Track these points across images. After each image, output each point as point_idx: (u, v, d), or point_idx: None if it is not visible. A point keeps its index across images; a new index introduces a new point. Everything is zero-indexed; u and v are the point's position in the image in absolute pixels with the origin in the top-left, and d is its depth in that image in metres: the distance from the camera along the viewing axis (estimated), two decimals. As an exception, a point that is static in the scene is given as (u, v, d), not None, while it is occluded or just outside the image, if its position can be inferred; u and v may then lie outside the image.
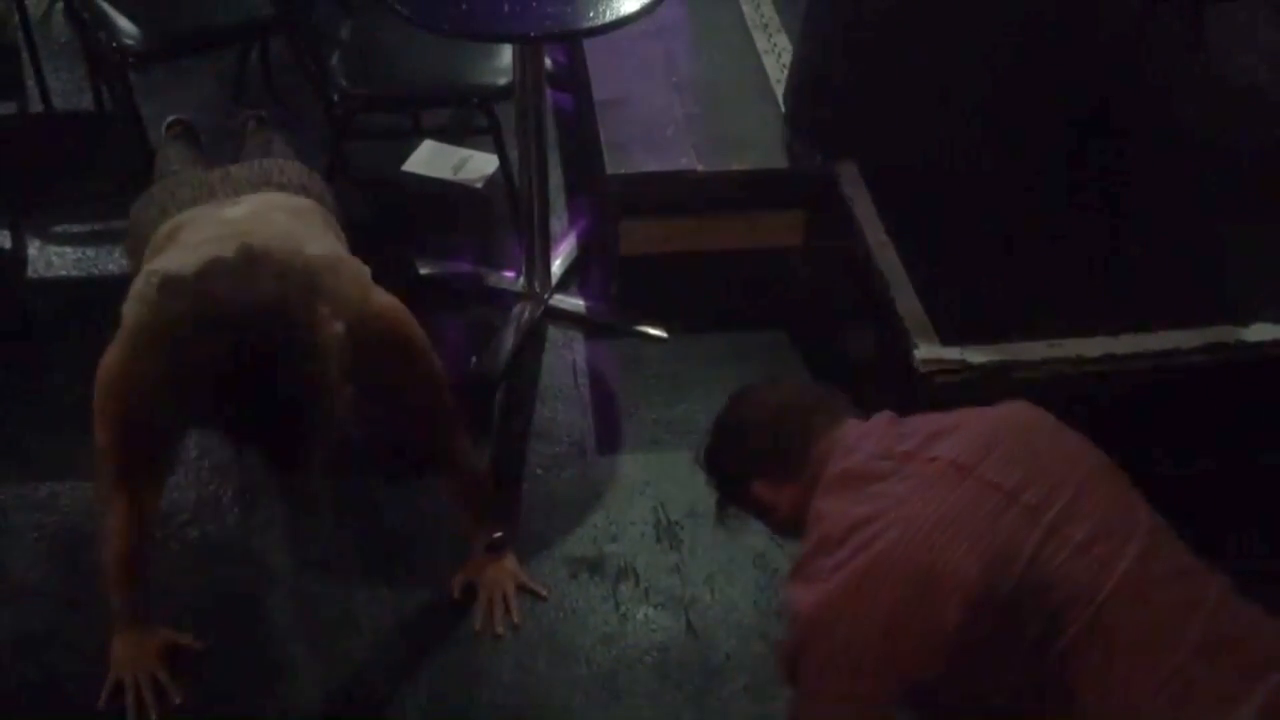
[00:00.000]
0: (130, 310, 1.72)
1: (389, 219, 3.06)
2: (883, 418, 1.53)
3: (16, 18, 3.26)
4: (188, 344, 1.56)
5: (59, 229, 2.96)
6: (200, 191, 1.99)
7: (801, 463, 1.50)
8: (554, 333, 2.77)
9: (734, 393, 1.68)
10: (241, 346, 1.53)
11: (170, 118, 2.75)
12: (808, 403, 1.58)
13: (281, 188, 2.02)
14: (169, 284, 1.63)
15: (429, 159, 3.22)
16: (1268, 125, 2.87)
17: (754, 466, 1.57)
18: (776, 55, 3.00)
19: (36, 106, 3.33)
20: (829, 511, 1.42)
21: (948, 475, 1.37)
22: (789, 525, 1.55)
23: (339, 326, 1.63)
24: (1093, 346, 2.22)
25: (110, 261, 2.87)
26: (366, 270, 1.82)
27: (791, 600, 1.41)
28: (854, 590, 1.33)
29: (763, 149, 2.73)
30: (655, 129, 2.76)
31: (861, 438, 1.48)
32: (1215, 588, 1.36)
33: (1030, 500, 1.34)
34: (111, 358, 1.77)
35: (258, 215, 1.88)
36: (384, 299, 1.84)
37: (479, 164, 3.19)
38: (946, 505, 1.34)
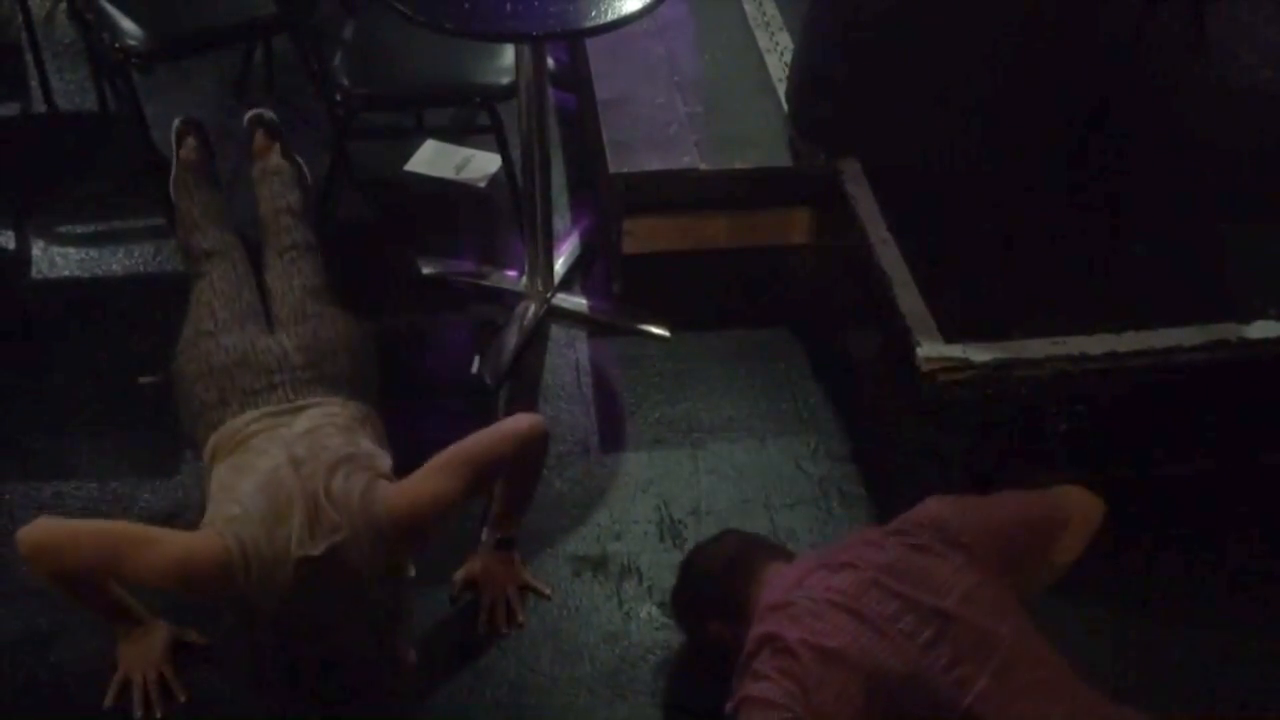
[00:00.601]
0: (231, 538, 1.78)
1: (392, 218, 3.07)
2: (804, 556, 1.93)
3: (20, 18, 3.28)
4: (277, 615, 1.80)
5: (63, 229, 2.97)
6: (258, 379, 2.06)
7: (744, 604, 1.84)
8: (557, 332, 2.77)
9: (688, 555, 2.08)
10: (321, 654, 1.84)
11: (179, 119, 2.75)
12: (746, 553, 1.95)
13: (331, 380, 2.10)
14: (302, 566, 1.77)
15: (432, 158, 3.22)
16: (1269, 124, 2.87)
17: (709, 611, 1.96)
18: (779, 53, 3.00)
19: (40, 107, 3.34)
20: (762, 632, 1.73)
21: (841, 603, 1.70)
22: (734, 652, 1.79)
23: (413, 655, 1.93)
24: (1095, 344, 2.22)
25: (114, 262, 2.88)
26: (380, 480, 1.89)
27: (736, 691, 1.69)
28: (785, 678, 1.65)
29: (765, 147, 2.73)
30: (658, 128, 2.76)
31: (778, 576, 1.84)
32: (1066, 695, 1.62)
33: (905, 627, 1.65)
34: (197, 552, 1.79)
35: (313, 441, 1.95)
36: (395, 505, 1.87)
37: (481, 163, 3.20)
38: (836, 635, 1.66)
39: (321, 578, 1.79)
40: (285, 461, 1.88)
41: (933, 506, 1.81)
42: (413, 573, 1.98)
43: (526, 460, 2.03)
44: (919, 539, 1.76)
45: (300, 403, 2.05)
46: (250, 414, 2.02)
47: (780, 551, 1.99)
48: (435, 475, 1.89)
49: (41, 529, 1.82)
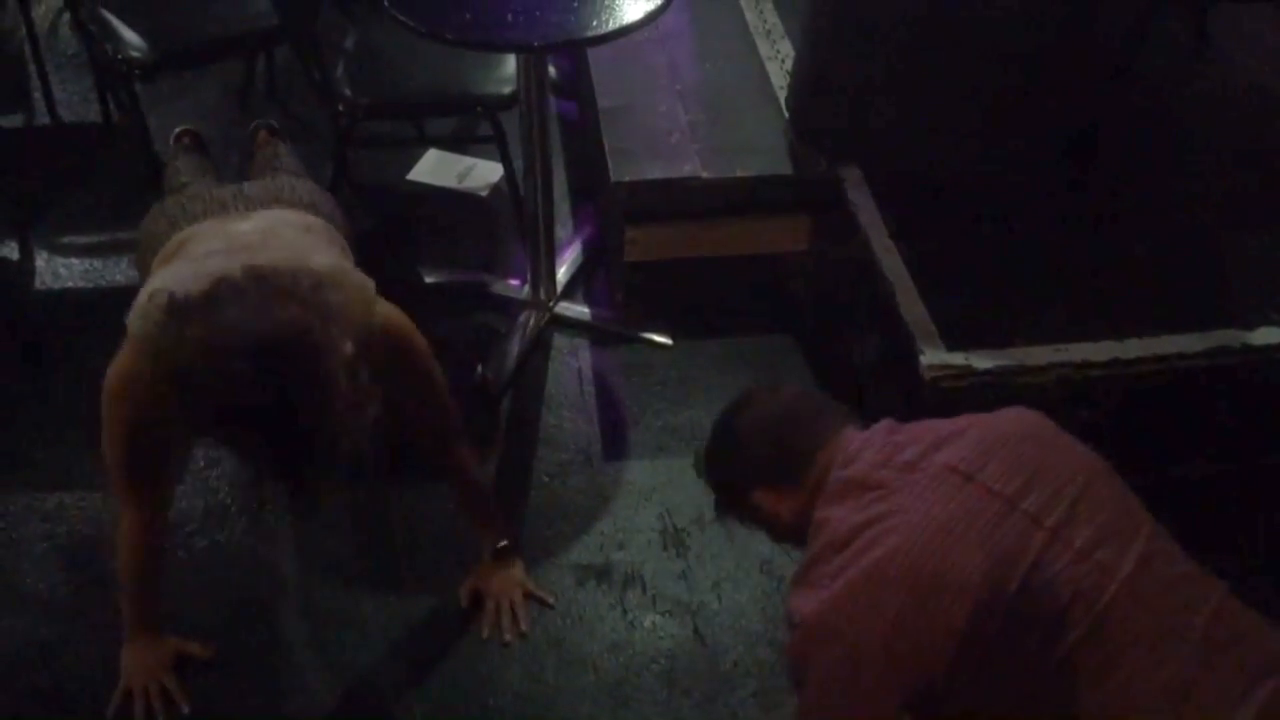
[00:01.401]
0: (135, 325, 1.70)
1: (394, 227, 3.07)
2: (883, 426, 1.53)
3: (23, 30, 3.29)
4: (197, 371, 1.55)
5: (66, 240, 2.97)
6: (211, 205, 2.00)
7: (803, 471, 1.51)
8: (559, 340, 2.77)
9: (734, 399, 1.67)
10: (255, 376, 1.53)
11: (178, 128, 2.76)
12: (809, 410, 1.58)
13: (291, 205, 2.03)
14: (177, 305, 1.60)
15: (434, 167, 3.23)
16: (1272, 127, 2.87)
17: (755, 474, 1.57)
18: (780, 61, 3.00)
19: (43, 118, 3.35)
20: (830, 519, 1.42)
21: (949, 483, 1.38)
22: (790, 533, 1.56)
23: (349, 347, 1.61)
24: (1097, 351, 2.21)
25: (117, 272, 2.88)
26: (370, 283, 1.82)
27: (794, 608, 1.41)
28: (856, 596, 1.35)
29: (767, 155, 2.73)
30: (659, 136, 2.77)
31: (863, 446, 1.48)
32: (1215, 592, 1.38)
33: (1030, 507, 1.36)
34: (116, 370, 1.77)
35: (265, 230, 1.88)
36: (388, 311, 1.84)
37: (484, 172, 3.20)
38: (948, 512, 1.36)
39: (284, 364, 1.56)
40: (235, 249, 1.74)
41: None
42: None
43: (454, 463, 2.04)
44: (1030, 418, 1.50)
45: (250, 213, 1.95)
46: (197, 225, 1.91)
47: (851, 416, 1.58)
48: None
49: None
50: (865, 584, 1.34)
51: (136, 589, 1.98)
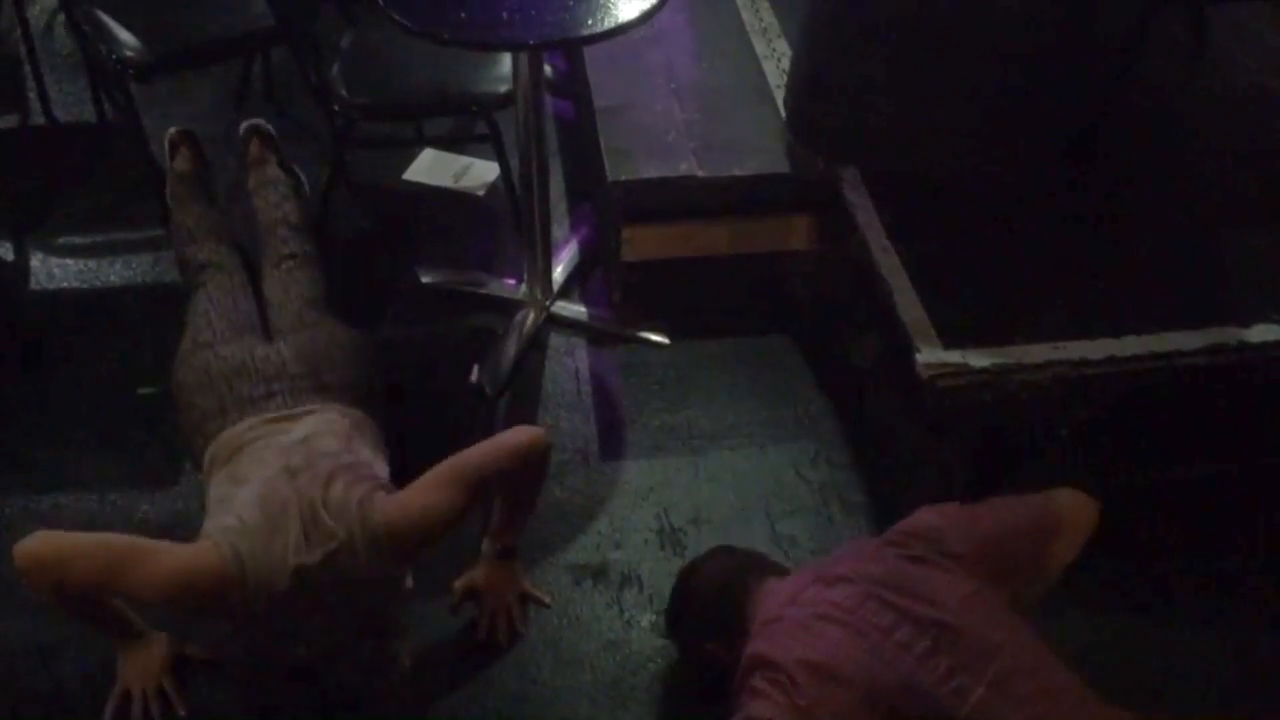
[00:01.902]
0: (221, 552, 1.77)
1: (390, 227, 3.07)
2: (800, 571, 1.90)
3: (18, 31, 3.28)
4: (280, 635, 1.84)
5: (61, 240, 2.97)
6: (255, 387, 2.07)
7: (738, 623, 1.84)
8: (556, 340, 2.77)
9: (682, 569, 2.05)
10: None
11: (172, 129, 2.76)
12: (741, 570, 1.93)
13: (330, 391, 2.10)
14: (299, 574, 1.78)
15: (430, 167, 3.23)
16: (1270, 127, 2.87)
17: (706, 632, 1.94)
18: (776, 60, 3.00)
19: (38, 119, 3.35)
20: (754, 652, 1.74)
21: (837, 616, 1.70)
22: (731, 672, 1.79)
23: (407, 663, 1.95)
24: (1095, 349, 2.21)
25: (112, 273, 2.88)
26: (378, 494, 1.88)
27: (740, 714, 1.68)
28: (781, 699, 1.64)
29: (763, 154, 2.73)
30: (656, 135, 2.76)
31: (771, 594, 1.83)
32: (1065, 701, 1.61)
33: (901, 639, 1.65)
34: (206, 567, 1.78)
35: (312, 448, 1.95)
36: (387, 517, 1.85)
37: (480, 172, 3.20)
38: (830, 646, 1.67)
39: (318, 585, 1.79)
40: (281, 470, 1.88)
41: (926, 516, 1.81)
42: (411, 584, 1.98)
43: (526, 473, 2.02)
44: (914, 550, 1.76)
45: (298, 410, 2.04)
46: (248, 421, 2.02)
47: (774, 567, 1.98)
48: (433, 487, 1.88)
49: (40, 541, 1.80)
50: (787, 688, 1.64)
51: (103, 622, 1.98)
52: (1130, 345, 2.22)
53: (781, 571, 1.95)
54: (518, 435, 1.98)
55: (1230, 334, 2.25)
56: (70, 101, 3.41)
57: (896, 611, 1.68)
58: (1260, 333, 2.26)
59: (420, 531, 1.86)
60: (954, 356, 2.19)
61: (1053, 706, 1.60)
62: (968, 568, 1.73)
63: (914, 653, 1.64)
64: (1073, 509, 1.85)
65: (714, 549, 2.07)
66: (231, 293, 2.33)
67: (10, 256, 2.92)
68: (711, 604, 1.93)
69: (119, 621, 2.00)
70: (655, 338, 2.76)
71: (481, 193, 3.15)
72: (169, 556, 1.79)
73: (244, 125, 2.83)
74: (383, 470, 1.99)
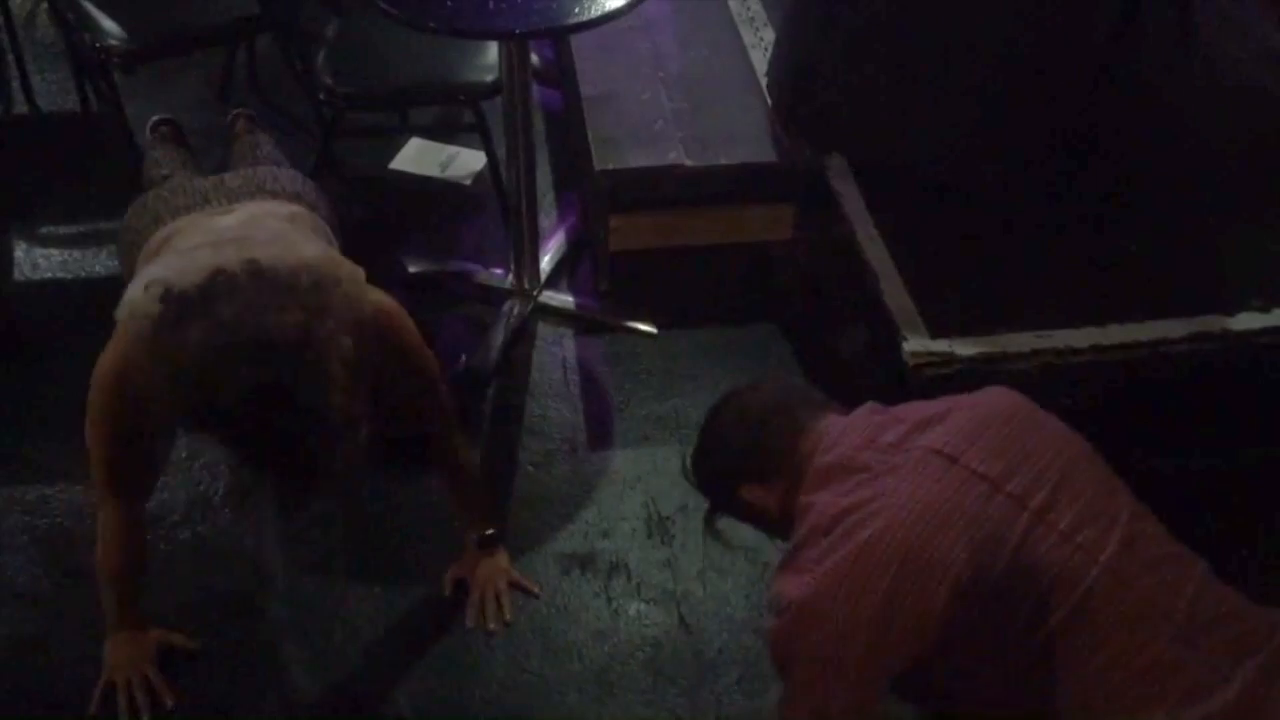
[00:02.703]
0: (126, 320, 1.67)
1: (377, 217, 3.06)
2: (865, 409, 1.55)
3: (1, 19, 3.25)
4: (196, 369, 1.54)
5: (45, 230, 2.95)
6: (193, 198, 1.99)
7: (788, 461, 1.52)
8: (544, 329, 2.77)
9: (716, 400, 1.68)
10: (257, 376, 1.53)
11: (155, 118, 2.74)
12: (789, 401, 1.59)
13: (274, 195, 2.02)
14: (173, 299, 1.59)
15: (417, 156, 3.22)
16: (1257, 119, 2.88)
17: (742, 470, 1.58)
18: (763, 49, 3.00)
19: (21, 108, 3.33)
20: (815, 504, 1.43)
21: (933, 465, 1.39)
22: (782, 526, 1.55)
23: (348, 342, 1.60)
24: (1080, 337, 2.22)
25: (97, 263, 2.86)
26: (361, 272, 1.80)
27: (780, 592, 1.42)
28: (843, 579, 1.35)
29: (750, 143, 2.73)
30: (643, 124, 2.76)
31: (845, 431, 1.49)
32: (1197, 572, 1.40)
33: (1015, 489, 1.37)
34: (107, 364, 1.76)
35: (250, 222, 1.87)
36: (378, 299, 1.83)
37: (467, 161, 3.19)
38: (933, 494, 1.36)
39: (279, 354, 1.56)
40: (207, 244, 1.72)
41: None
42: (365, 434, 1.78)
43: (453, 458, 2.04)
44: (1015, 399, 1.52)
45: (234, 205, 1.93)
46: (181, 220, 1.90)
47: (833, 404, 1.60)
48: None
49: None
50: (851, 566, 1.35)
51: (118, 584, 1.97)
52: (1115, 334, 2.23)
53: (841, 410, 1.58)
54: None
55: (1214, 322, 2.26)
56: (54, 91, 3.39)
57: (1007, 458, 1.39)
58: (1244, 320, 2.27)
59: (401, 331, 1.84)
60: (941, 345, 2.20)
61: (1185, 575, 1.38)
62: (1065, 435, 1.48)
63: (1030, 506, 1.36)
64: None
65: (758, 380, 1.71)
66: (190, 170, 2.29)
67: (-7, 246, 2.90)
68: (751, 436, 1.56)
69: (131, 593, 1.97)
70: (643, 327, 2.76)
71: (468, 182, 3.15)
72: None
73: (231, 114, 2.82)
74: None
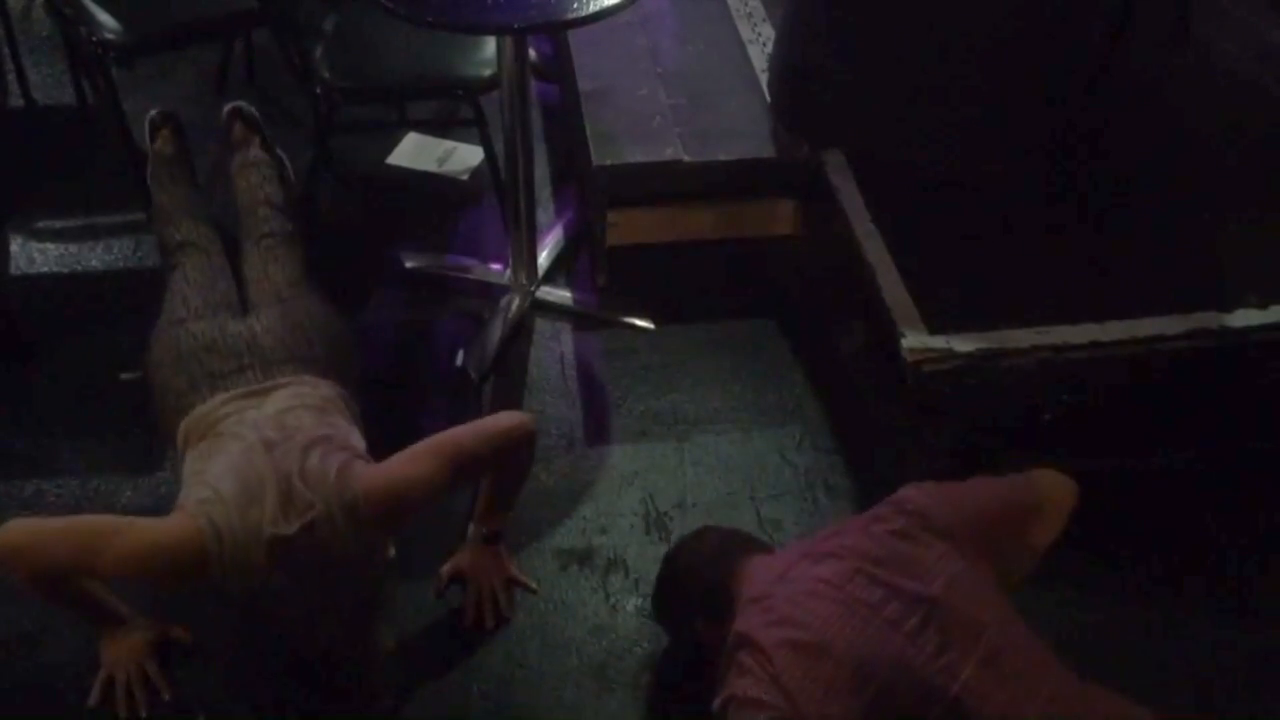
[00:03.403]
0: (207, 525, 1.76)
1: (374, 212, 3.06)
2: (792, 547, 1.89)
3: (-4, 12, 3.25)
4: (260, 613, 1.83)
5: (41, 225, 2.95)
6: (228, 362, 2.04)
7: (727, 599, 1.82)
8: (541, 324, 2.76)
9: (667, 553, 2.03)
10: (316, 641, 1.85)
11: (153, 112, 2.73)
12: (728, 548, 1.92)
13: (305, 361, 2.07)
14: (275, 549, 1.76)
15: (414, 151, 3.21)
16: (1253, 115, 2.88)
17: (696, 611, 1.92)
18: (761, 45, 3.00)
19: (17, 102, 3.31)
20: (741, 630, 1.71)
21: (825, 592, 1.69)
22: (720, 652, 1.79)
23: (392, 643, 1.97)
24: (1078, 334, 2.22)
25: (93, 258, 2.86)
26: (354, 462, 1.87)
27: (725, 691, 1.67)
28: (767, 677, 1.63)
29: (748, 139, 2.73)
30: (641, 120, 2.76)
31: (759, 568, 1.82)
32: (1050, 680, 1.62)
33: (890, 615, 1.64)
34: (177, 541, 1.77)
35: (285, 425, 1.92)
36: (365, 488, 1.84)
37: (464, 156, 3.18)
38: (818, 617, 1.66)
39: (295, 558, 1.77)
40: (256, 443, 1.87)
41: (911, 493, 1.80)
42: (393, 553, 1.96)
43: (510, 457, 2.01)
44: (900, 525, 1.75)
45: (270, 384, 2.02)
46: (220, 397, 1.99)
47: (761, 545, 1.97)
48: (414, 460, 1.88)
49: (13, 529, 1.79)
50: (770, 668, 1.63)
51: (81, 609, 1.98)
52: (1113, 330, 2.23)
53: (768, 550, 1.94)
54: (501, 419, 1.98)
55: (1212, 318, 2.26)
56: (50, 84, 3.38)
57: (885, 587, 1.67)
58: (1241, 317, 2.27)
59: (399, 502, 1.85)
60: (938, 341, 2.20)
61: (1040, 682, 1.61)
62: (954, 544, 1.73)
63: (903, 630, 1.63)
64: (1053, 489, 1.86)
65: (700, 529, 2.06)
66: (209, 271, 2.31)
67: (-11, 241, 2.90)
68: (698, 583, 1.91)
69: (100, 607, 1.99)
70: (640, 322, 2.76)
71: (466, 177, 3.14)
72: (143, 531, 1.77)
73: (227, 108, 2.81)
74: (359, 442, 1.98)
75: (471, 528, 2.20)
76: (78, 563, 1.78)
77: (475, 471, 2.02)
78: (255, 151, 2.66)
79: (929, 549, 1.72)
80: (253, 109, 2.78)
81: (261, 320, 2.15)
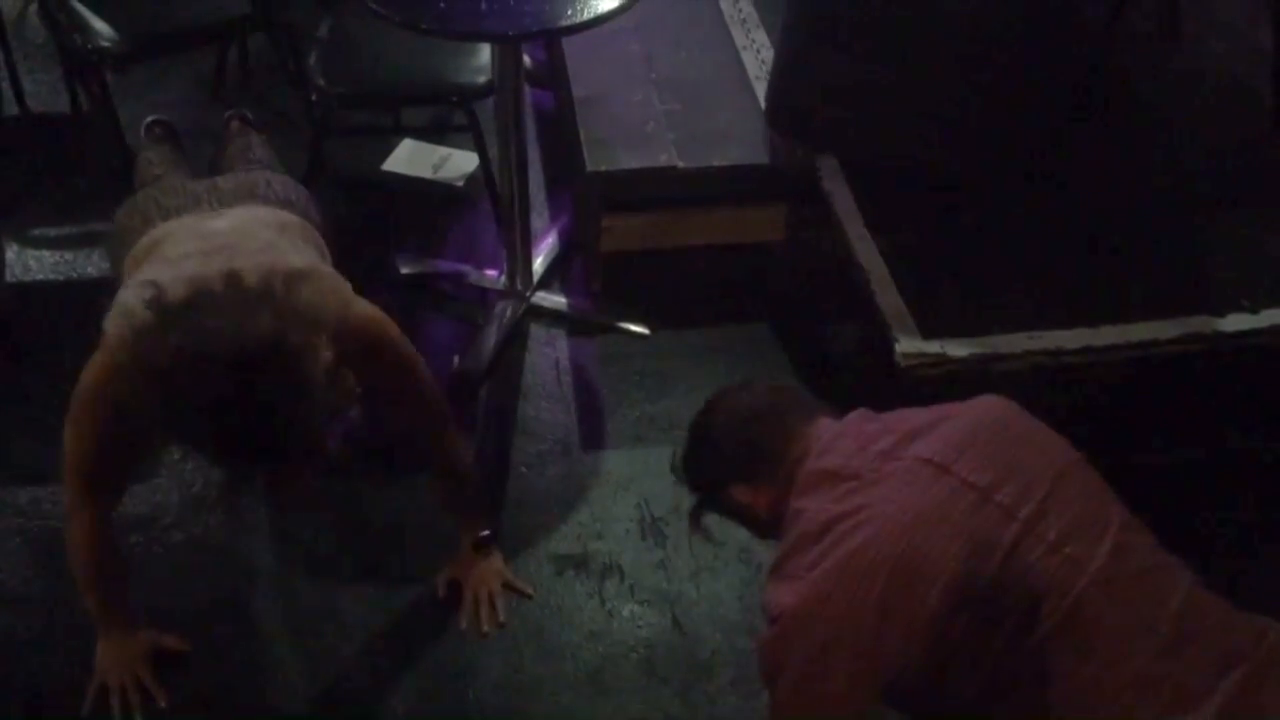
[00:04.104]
0: (114, 326, 1.71)
1: (369, 218, 3.06)
2: (857, 416, 1.56)
3: (-10, 20, 3.25)
4: (177, 376, 1.61)
5: (36, 232, 2.95)
6: (185, 200, 1.99)
7: (778, 464, 1.53)
8: (536, 330, 2.77)
9: (709, 398, 1.69)
10: (234, 384, 1.59)
11: (149, 118, 2.73)
12: (782, 403, 1.61)
13: (265, 200, 2.02)
14: (158, 308, 1.65)
15: (409, 158, 3.21)
16: (1243, 116, 2.89)
17: (731, 470, 1.59)
18: (755, 51, 3.01)
19: (12, 109, 3.31)
20: (805, 510, 1.44)
21: (923, 474, 1.40)
22: (769, 527, 1.57)
23: (327, 351, 1.68)
24: (1072, 338, 2.23)
25: (89, 265, 2.86)
26: (345, 283, 1.83)
27: (771, 599, 1.43)
28: (833, 586, 1.36)
29: (742, 144, 2.74)
30: (635, 126, 2.76)
31: (837, 437, 1.50)
32: (1184, 583, 1.40)
33: (1004, 499, 1.38)
34: (92, 372, 1.76)
35: (240, 229, 1.88)
36: (363, 309, 1.84)
37: (459, 162, 3.19)
38: (923, 502, 1.38)
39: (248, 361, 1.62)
40: (198, 252, 1.77)
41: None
42: (355, 413, 1.95)
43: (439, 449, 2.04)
44: (1004, 411, 1.52)
45: (225, 209, 1.96)
46: (170, 223, 1.92)
47: (825, 407, 1.62)
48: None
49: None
50: (842, 573, 1.36)
51: (102, 587, 1.97)
52: (1107, 335, 2.24)
53: (832, 413, 1.60)
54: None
55: (1204, 323, 2.27)
56: (44, 92, 3.38)
57: (996, 468, 1.39)
58: (1234, 322, 2.28)
59: (384, 342, 1.85)
60: (932, 346, 2.20)
61: (1170, 588, 1.38)
62: (1056, 442, 1.49)
63: (1019, 516, 1.37)
64: None
65: (750, 381, 1.73)
66: (183, 173, 2.29)
67: (-15, 247, 2.89)
68: (742, 438, 1.58)
69: (117, 599, 1.98)
70: (635, 328, 2.76)
71: (461, 183, 3.15)
72: (82, 379, 1.75)
73: (226, 115, 2.82)
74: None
75: (462, 537, 2.20)
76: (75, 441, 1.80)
77: (419, 396, 1.98)
78: (254, 138, 2.66)
79: (1042, 432, 1.49)
80: (249, 115, 2.78)
81: (226, 179, 2.11)
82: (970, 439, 1.43)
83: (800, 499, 1.46)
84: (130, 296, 1.69)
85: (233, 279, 1.69)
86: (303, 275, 1.75)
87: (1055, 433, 1.50)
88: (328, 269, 1.85)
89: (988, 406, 1.52)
